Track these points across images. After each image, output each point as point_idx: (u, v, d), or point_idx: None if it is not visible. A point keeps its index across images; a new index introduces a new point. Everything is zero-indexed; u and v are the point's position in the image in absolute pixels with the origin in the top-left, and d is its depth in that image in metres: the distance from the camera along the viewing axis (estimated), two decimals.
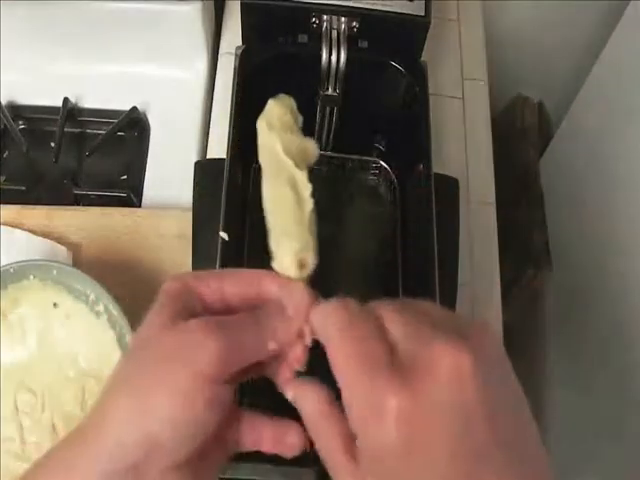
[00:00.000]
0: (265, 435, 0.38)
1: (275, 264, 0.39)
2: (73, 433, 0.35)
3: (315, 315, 0.35)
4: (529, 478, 0.30)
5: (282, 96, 0.47)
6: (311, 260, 0.39)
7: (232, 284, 0.37)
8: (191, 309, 0.36)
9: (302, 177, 0.42)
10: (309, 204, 0.42)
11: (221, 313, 0.36)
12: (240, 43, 0.64)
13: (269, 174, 0.42)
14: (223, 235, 0.56)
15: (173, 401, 0.33)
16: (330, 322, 0.34)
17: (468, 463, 0.28)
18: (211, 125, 0.72)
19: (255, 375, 0.39)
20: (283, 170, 0.42)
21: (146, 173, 0.71)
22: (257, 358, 0.36)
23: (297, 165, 0.42)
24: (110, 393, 0.35)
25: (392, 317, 0.32)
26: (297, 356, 0.37)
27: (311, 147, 0.45)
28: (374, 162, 0.69)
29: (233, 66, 0.63)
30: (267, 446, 0.39)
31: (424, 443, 0.29)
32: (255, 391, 0.58)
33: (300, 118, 0.46)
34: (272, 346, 0.36)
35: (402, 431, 0.29)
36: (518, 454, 0.30)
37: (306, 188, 0.42)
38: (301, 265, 0.38)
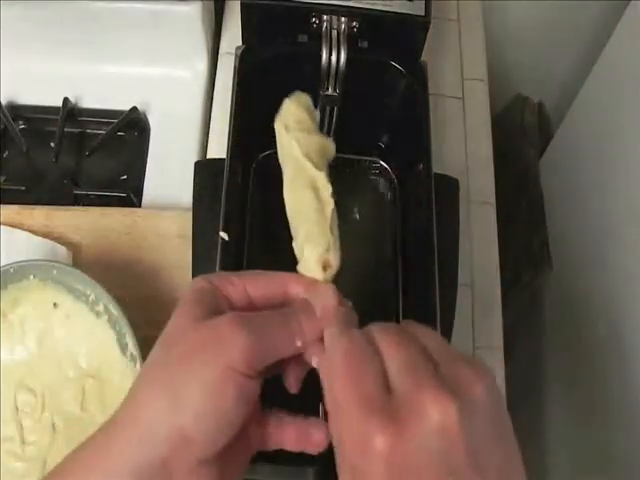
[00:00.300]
0: (289, 433, 0.39)
1: (300, 267, 0.40)
2: (106, 422, 0.36)
3: (325, 335, 0.37)
4: None
5: (298, 94, 0.48)
6: (335, 261, 0.40)
7: (258, 285, 0.39)
8: (219, 307, 0.37)
9: (322, 178, 0.43)
10: (330, 205, 0.42)
11: (247, 312, 0.37)
12: (240, 43, 0.64)
13: (289, 177, 0.44)
14: (223, 235, 0.56)
15: (204, 394, 0.34)
16: (335, 347, 0.35)
17: None
18: (211, 125, 0.72)
19: (277, 372, 0.40)
20: (303, 172, 0.43)
21: (146, 173, 0.71)
22: (285, 354, 0.37)
23: (316, 166, 0.43)
24: (144, 384, 0.36)
25: (391, 353, 0.33)
26: (316, 352, 0.37)
27: (329, 145, 0.45)
28: (374, 162, 0.69)
29: (233, 66, 0.63)
30: (291, 444, 0.39)
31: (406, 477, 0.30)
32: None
33: (317, 114, 0.46)
34: (299, 344, 0.37)
35: (388, 471, 0.30)
36: None
37: (326, 189, 0.43)
38: (325, 266, 0.40)
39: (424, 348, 0.34)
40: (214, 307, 0.37)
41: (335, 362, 0.34)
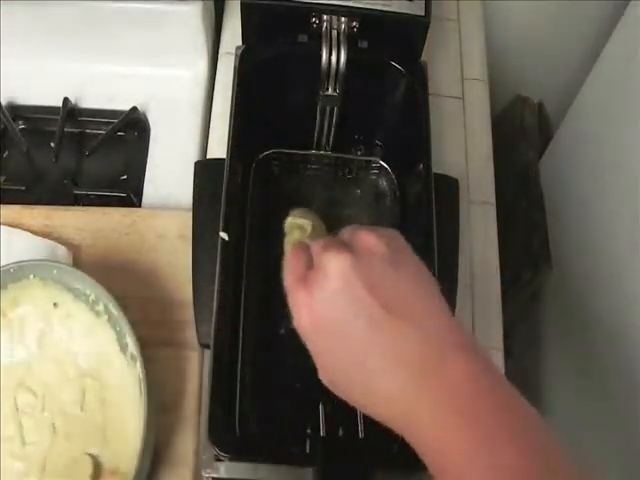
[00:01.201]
0: None
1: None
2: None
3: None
4: (424, 332, 0.37)
5: (298, 212, 0.54)
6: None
7: None
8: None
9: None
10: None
11: None
12: (240, 43, 0.64)
13: None
14: (223, 235, 0.56)
15: None
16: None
17: (362, 329, 0.38)
18: (211, 125, 0.72)
19: None
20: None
21: (146, 173, 0.71)
22: None
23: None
24: None
25: (315, 245, 0.42)
26: None
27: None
28: (374, 162, 0.69)
29: (233, 66, 0.63)
30: None
31: (325, 322, 0.39)
32: (257, 371, 0.58)
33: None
34: None
35: (311, 320, 0.39)
36: (410, 314, 0.38)
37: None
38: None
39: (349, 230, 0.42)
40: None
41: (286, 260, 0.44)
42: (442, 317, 0.39)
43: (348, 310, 0.38)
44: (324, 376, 0.40)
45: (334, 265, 0.39)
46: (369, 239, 0.40)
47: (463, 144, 0.73)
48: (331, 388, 0.40)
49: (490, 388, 0.37)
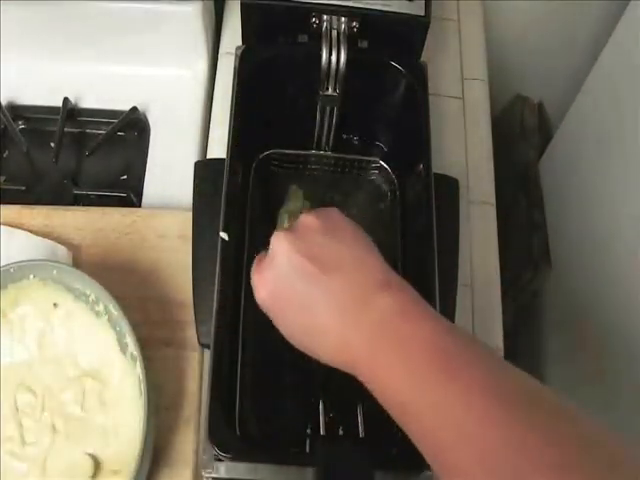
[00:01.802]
0: None
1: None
2: None
3: None
4: (353, 279, 0.43)
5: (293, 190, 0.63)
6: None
7: None
8: None
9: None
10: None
11: None
12: (240, 43, 0.64)
13: None
14: (223, 235, 0.56)
15: None
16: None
17: (304, 288, 0.44)
18: (211, 125, 0.72)
19: None
20: None
21: (146, 173, 0.71)
22: None
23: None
24: None
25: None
26: None
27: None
28: (374, 162, 0.69)
29: (233, 66, 0.63)
30: None
31: (277, 291, 0.45)
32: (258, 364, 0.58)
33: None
34: None
35: (269, 295, 0.46)
36: (340, 266, 0.44)
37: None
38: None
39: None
40: None
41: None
42: (371, 267, 0.44)
43: (292, 277, 0.44)
44: (292, 339, 0.46)
45: (277, 246, 0.46)
46: (306, 219, 0.47)
47: (463, 144, 0.73)
48: (301, 348, 0.45)
49: (417, 320, 0.41)
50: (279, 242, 0.46)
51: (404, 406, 0.39)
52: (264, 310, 0.47)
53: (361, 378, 0.42)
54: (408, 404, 0.38)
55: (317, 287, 0.43)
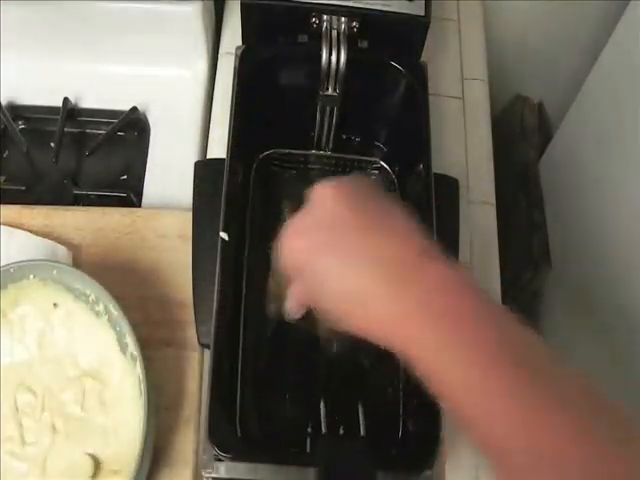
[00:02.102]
0: None
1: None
2: None
3: None
4: (404, 243, 0.40)
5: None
6: None
7: None
8: None
9: None
10: None
11: None
12: (240, 43, 0.64)
13: None
14: (223, 235, 0.56)
15: None
16: None
17: (349, 238, 0.40)
18: (211, 125, 0.72)
19: None
20: None
21: (146, 173, 0.71)
22: None
23: None
24: None
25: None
26: None
27: None
28: (374, 162, 0.69)
29: (233, 66, 0.63)
30: None
31: (319, 241, 0.41)
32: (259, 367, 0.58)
33: None
34: None
35: (302, 240, 0.42)
36: (390, 227, 0.41)
37: None
38: None
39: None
40: None
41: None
42: (416, 236, 0.41)
43: (335, 223, 0.41)
44: (327, 303, 0.41)
45: (318, 193, 0.42)
46: (348, 178, 0.45)
47: (463, 144, 0.73)
48: (334, 315, 0.41)
49: (462, 299, 0.37)
50: (319, 189, 0.42)
51: (457, 395, 0.36)
52: (294, 267, 0.43)
53: (401, 354, 0.38)
54: (461, 392, 0.36)
55: (364, 240, 0.40)
